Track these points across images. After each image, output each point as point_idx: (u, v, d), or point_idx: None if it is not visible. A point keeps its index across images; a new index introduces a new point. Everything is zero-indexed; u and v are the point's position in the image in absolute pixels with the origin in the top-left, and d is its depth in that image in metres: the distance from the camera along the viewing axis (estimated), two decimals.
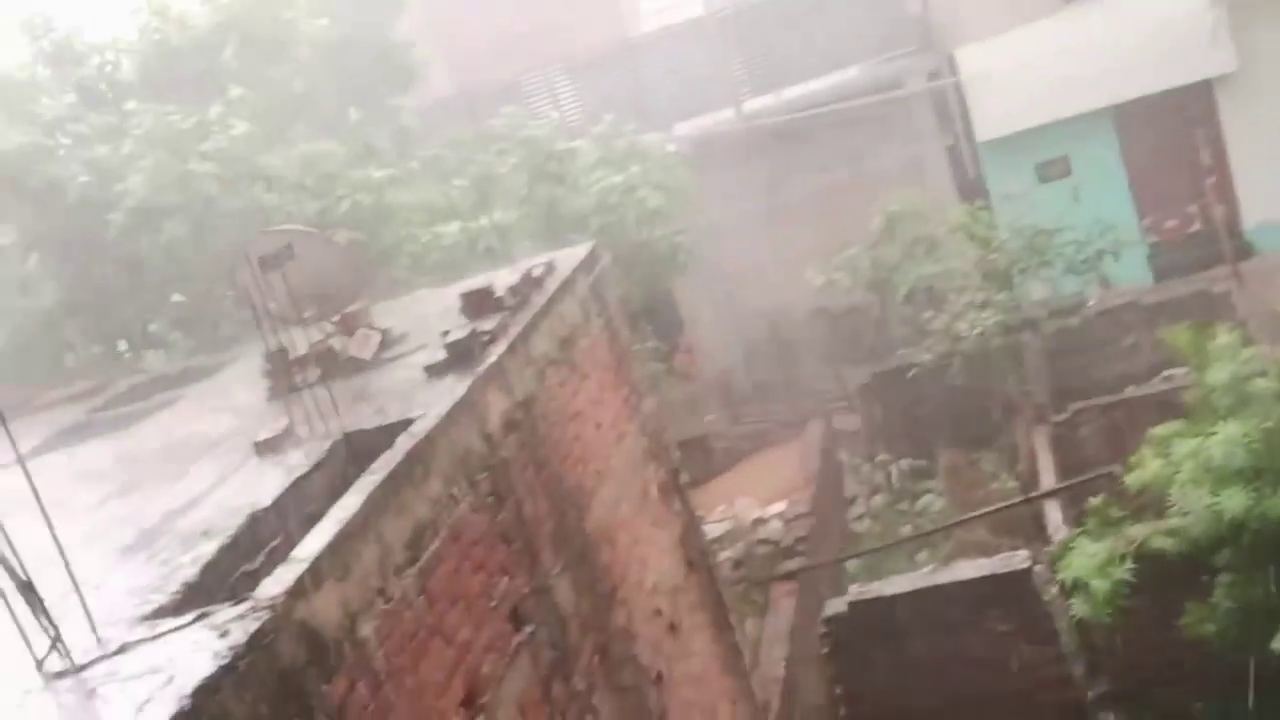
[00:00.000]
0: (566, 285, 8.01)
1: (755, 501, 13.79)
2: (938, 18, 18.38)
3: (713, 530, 12.30)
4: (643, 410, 8.74)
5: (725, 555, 12.30)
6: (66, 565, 4.27)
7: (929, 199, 16.80)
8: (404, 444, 5.49)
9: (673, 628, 8.02)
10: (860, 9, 18.60)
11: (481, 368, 6.45)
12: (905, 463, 15.84)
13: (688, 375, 17.10)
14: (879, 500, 15.54)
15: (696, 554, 9.01)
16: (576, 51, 19.65)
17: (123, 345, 12.23)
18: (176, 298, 12.06)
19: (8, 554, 4.06)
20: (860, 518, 15.37)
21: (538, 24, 20.24)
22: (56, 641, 4.17)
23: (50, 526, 4.27)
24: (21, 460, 4.27)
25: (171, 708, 3.62)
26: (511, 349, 6.79)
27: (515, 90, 19.05)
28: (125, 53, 13.22)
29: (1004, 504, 13.04)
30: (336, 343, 7.49)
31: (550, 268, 8.19)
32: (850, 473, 16.17)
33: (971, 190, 17.91)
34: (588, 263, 8.57)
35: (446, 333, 6.80)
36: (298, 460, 5.94)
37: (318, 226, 10.24)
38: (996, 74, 17.19)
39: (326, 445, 6.04)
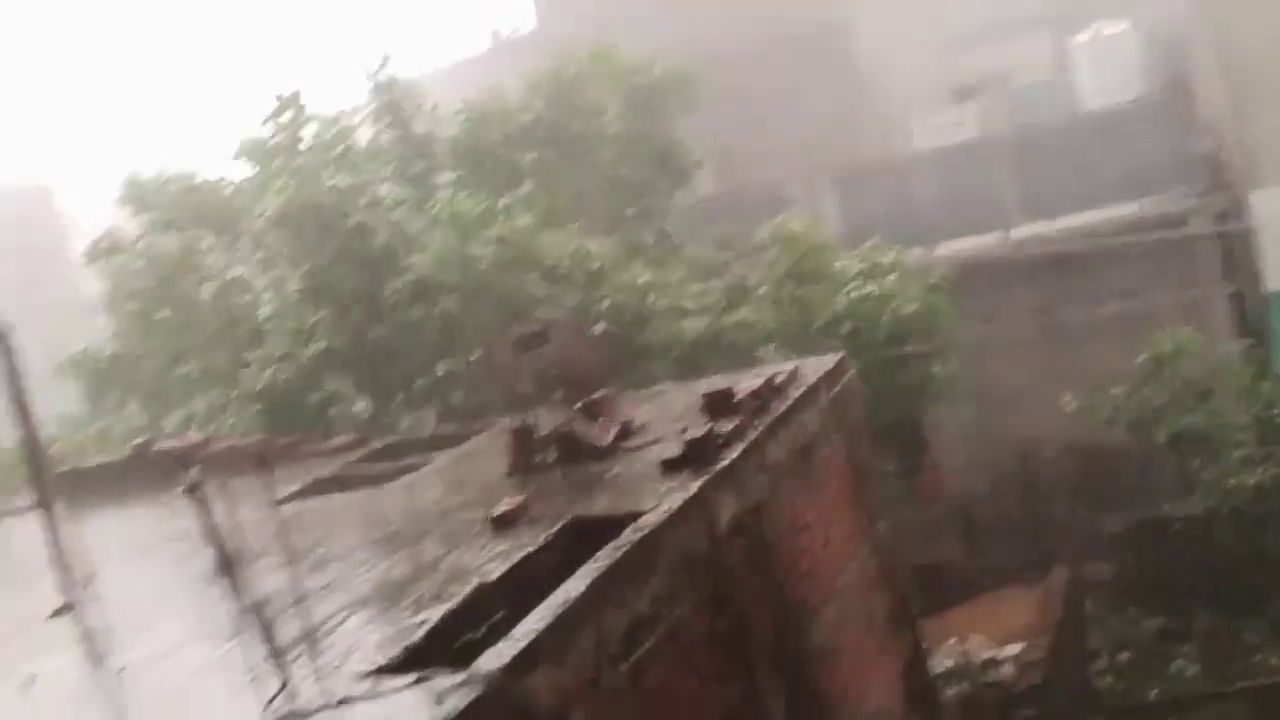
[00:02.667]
0: (809, 395, 7.90)
1: (988, 641, 13.10)
2: (1231, 158, 17.44)
3: (939, 665, 11.74)
4: (876, 531, 8.48)
5: (950, 693, 11.70)
6: (304, 613, 4.48)
7: (1205, 344, 15.80)
8: (631, 535, 5.50)
9: None
10: (1144, 143, 17.86)
11: (715, 468, 6.43)
12: (1158, 621, 14.76)
13: (929, 499, 16.54)
14: (1125, 658, 14.52)
15: (920, 689, 8.60)
16: (844, 163, 19.70)
17: (390, 402, 12.85)
18: (442, 368, 12.67)
19: (254, 595, 4.29)
20: (1102, 674, 14.40)
21: (808, 132, 20.39)
22: (285, 686, 4.36)
23: (296, 573, 4.49)
24: (276, 507, 4.53)
25: None
26: (747, 453, 6.74)
27: (779, 197, 19.22)
28: (446, 123, 14.24)
29: (1267, 681, 11.94)
30: (578, 427, 7.64)
31: (794, 375, 8.12)
32: (1095, 625, 15.19)
33: (1255, 341, 16.74)
34: (833, 374, 8.45)
35: (684, 430, 6.83)
36: (528, 538, 6.05)
37: (578, 317, 10.58)
38: None
39: (556, 527, 6.13)
